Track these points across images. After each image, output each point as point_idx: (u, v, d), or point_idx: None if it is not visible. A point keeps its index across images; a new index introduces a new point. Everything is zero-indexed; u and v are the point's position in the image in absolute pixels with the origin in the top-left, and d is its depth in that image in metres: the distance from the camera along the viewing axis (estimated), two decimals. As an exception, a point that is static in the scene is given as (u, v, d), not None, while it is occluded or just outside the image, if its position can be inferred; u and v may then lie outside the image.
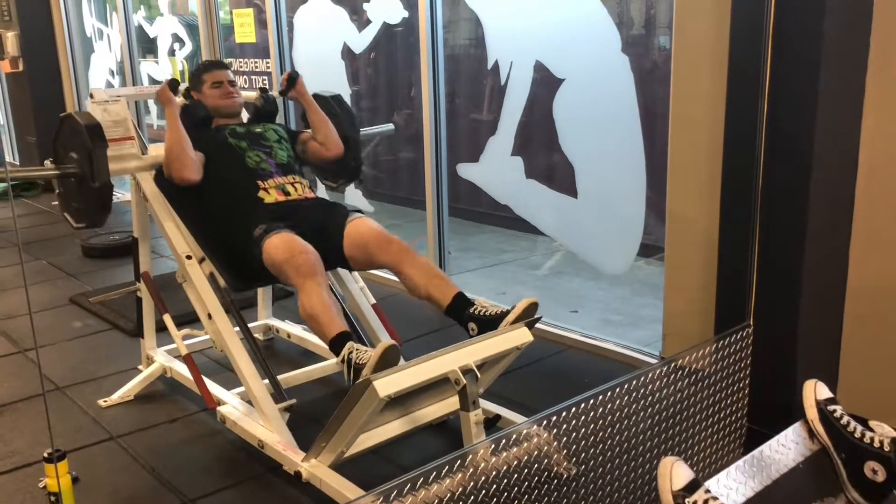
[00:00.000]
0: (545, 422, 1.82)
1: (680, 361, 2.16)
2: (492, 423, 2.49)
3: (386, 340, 2.22)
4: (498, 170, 3.77)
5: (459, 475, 1.64)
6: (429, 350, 2.11)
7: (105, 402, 2.99)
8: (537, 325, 2.44)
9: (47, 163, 2.66)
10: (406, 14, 4.34)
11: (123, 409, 2.96)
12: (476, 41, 4.86)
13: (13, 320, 3.92)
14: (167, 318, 2.76)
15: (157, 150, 2.81)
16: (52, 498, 2.16)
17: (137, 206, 2.95)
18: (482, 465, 1.70)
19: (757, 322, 2.38)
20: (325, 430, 2.17)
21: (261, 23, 5.10)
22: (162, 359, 3.08)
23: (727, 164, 2.48)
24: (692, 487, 1.61)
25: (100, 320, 3.88)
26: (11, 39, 6.87)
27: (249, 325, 2.81)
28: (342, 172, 3.25)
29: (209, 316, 2.58)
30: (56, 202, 2.93)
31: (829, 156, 2.27)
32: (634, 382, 2.01)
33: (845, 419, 1.94)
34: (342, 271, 2.96)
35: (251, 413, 2.57)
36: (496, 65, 3.63)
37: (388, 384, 1.95)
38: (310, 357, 3.25)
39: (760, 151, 2.32)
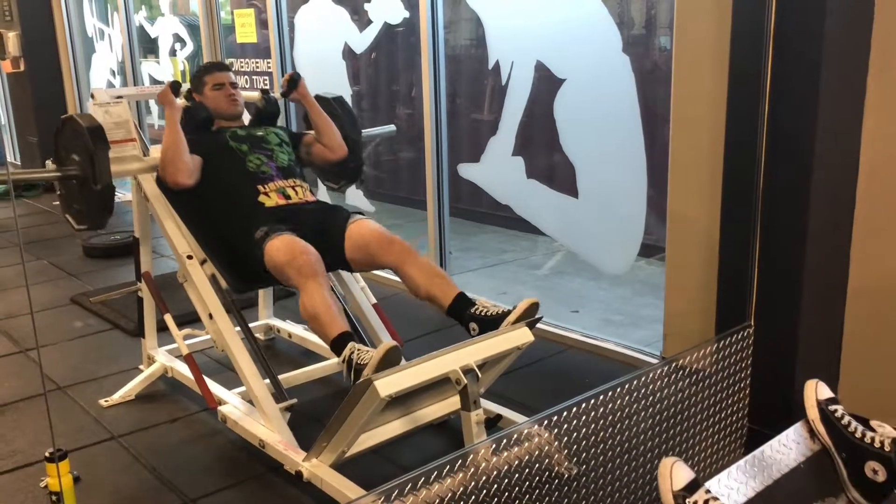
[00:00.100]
0: (546, 422, 1.82)
1: (680, 361, 2.16)
2: (493, 422, 2.49)
3: (387, 341, 2.22)
4: (499, 170, 3.77)
5: (460, 475, 1.64)
6: (430, 350, 2.11)
7: (106, 401, 3.00)
8: (538, 325, 2.44)
9: (49, 163, 2.66)
10: (407, 14, 4.34)
11: (124, 409, 2.97)
12: (477, 41, 4.86)
13: (14, 320, 3.92)
14: (168, 318, 2.77)
15: (158, 152, 2.80)
16: (54, 497, 2.17)
17: (138, 206, 2.95)
18: (483, 464, 1.70)
19: (758, 322, 2.38)
20: (326, 430, 2.17)
21: (262, 23, 5.10)
22: (163, 358, 3.08)
23: (728, 165, 2.48)
24: (692, 487, 1.61)
25: (101, 320, 3.88)
26: (13, 39, 6.87)
27: (250, 324, 2.81)
28: (343, 173, 3.26)
29: (210, 316, 2.58)
30: (57, 202, 2.93)
31: (829, 156, 2.27)
32: (635, 382, 2.01)
33: (846, 419, 1.94)
34: (343, 271, 2.96)
35: (252, 413, 2.57)
36: (497, 65, 3.63)
37: (388, 384, 1.96)
38: (310, 357, 3.25)
39: (761, 151, 2.32)
